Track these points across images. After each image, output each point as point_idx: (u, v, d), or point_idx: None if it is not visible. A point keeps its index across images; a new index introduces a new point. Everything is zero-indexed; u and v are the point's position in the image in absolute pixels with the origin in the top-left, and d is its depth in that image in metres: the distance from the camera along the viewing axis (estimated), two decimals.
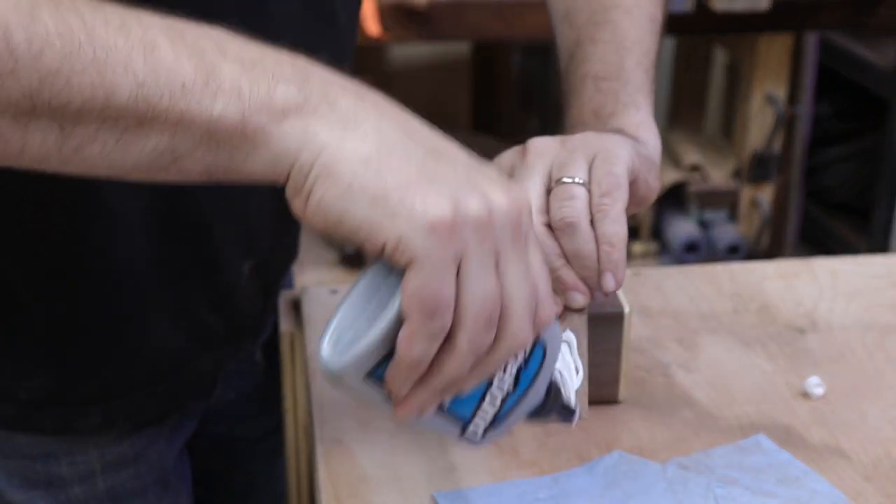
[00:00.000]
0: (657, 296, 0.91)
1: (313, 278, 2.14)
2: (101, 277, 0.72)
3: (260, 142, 0.49)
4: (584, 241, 0.65)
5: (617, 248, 0.65)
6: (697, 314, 0.89)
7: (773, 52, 2.16)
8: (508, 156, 0.70)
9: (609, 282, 0.65)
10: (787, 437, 0.73)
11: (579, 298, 0.67)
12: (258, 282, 0.83)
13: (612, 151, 0.67)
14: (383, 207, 0.49)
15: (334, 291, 0.91)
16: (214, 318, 0.80)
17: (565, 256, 0.66)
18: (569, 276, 0.66)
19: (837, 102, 2.66)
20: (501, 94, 2.57)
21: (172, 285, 0.75)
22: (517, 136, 2.39)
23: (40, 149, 0.48)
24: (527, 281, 0.52)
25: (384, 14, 1.92)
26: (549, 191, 0.67)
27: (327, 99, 0.50)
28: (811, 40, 2.27)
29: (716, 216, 2.27)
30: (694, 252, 2.24)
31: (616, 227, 0.65)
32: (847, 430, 0.74)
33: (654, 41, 0.79)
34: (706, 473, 0.69)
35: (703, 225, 2.28)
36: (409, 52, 2.47)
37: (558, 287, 0.66)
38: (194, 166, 0.50)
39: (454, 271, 0.50)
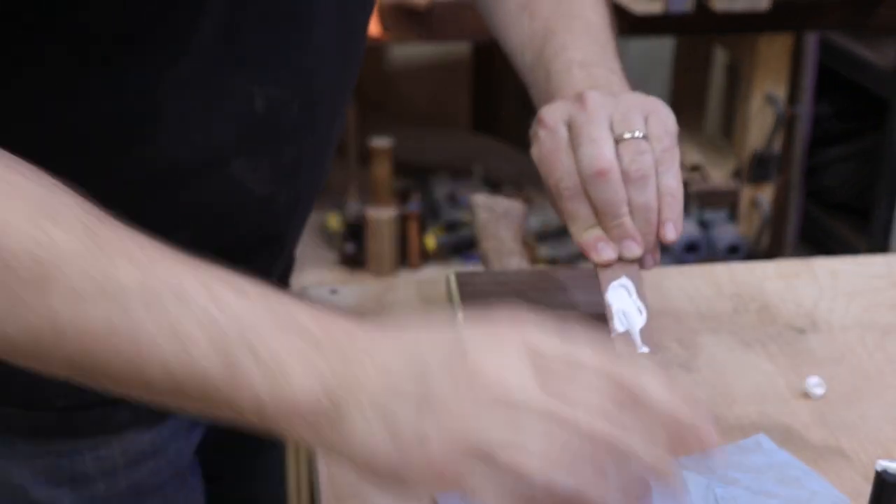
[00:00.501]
0: (657, 296, 0.91)
1: (313, 278, 2.14)
2: None
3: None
4: (652, 193, 0.69)
5: (677, 200, 0.70)
6: (697, 314, 0.89)
7: (773, 52, 2.16)
8: (562, 106, 0.73)
9: (670, 231, 0.70)
10: (788, 438, 0.73)
11: (636, 248, 0.71)
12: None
13: (663, 111, 0.72)
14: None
15: (334, 291, 0.91)
16: None
17: (629, 206, 0.70)
18: (631, 225, 0.71)
19: (837, 102, 2.67)
20: (501, 94, 2.57)
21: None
22: (517, 136, 2.39)
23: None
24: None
25: (384, 14, 1.92)
26: (616, 141, 0.70)
27: (349, 393, 0.50)
28: (811, 40, 2.27)
29: (716, 216, 2.27)
30: (694, 252, 2.24)
31: (677, 181, 0.70)
32: (847, 430, 0.74)
33: (614, 36, 0.84)
34: (706, 473, 0.69)
35: (703, 225, 2.27)
36: (409, 52, 2.47)
37: (617, 234, 0.71)
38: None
39: None
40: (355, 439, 0.50)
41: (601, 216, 0.71)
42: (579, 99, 0.72)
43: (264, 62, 0.69)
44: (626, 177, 0.70)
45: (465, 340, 0.51)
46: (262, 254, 0.79)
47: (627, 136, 0.70)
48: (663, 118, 0.71)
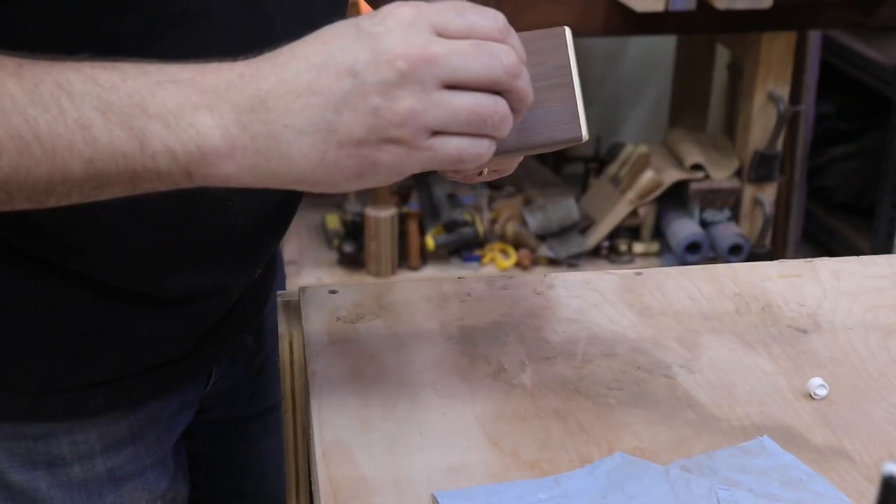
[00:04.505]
0: (658, 296, 0.91)
1: (313, 278, 2.14)
2: (105, 264, 0.74)
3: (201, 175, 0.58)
4: None
5: None
6: (699, 314, 0.88)
7: (776, 50, 2.15)
8: None
9: None
10: (790, 439, 0.73)
11: None
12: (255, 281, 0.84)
13: None
14: None
15: (333, 291, 0.90)
16: (215, 303, 0.82)
17: None
18: None
19: (840, 101, 2.66)
20: None
21: (173, 282, 0.77)
22: None
23: (27, 207, 0.58)
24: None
25: None
26: None
27: (245, 128, 0.56)
28: (814, 39, 2.27)
29: (718, 216, 2.27)
30: (696, 252, 2.24)
31: None
32: (850, 431, 0.74)
33: None
34: (709, 475, 0.68)
35: (705, 225, 2.27)
36: None
37: None
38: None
39: None
40: (286, 156, 0.56)
41: None
42: None
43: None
44: None
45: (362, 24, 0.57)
46: (225, 259, 0.79)
47: None
48: None
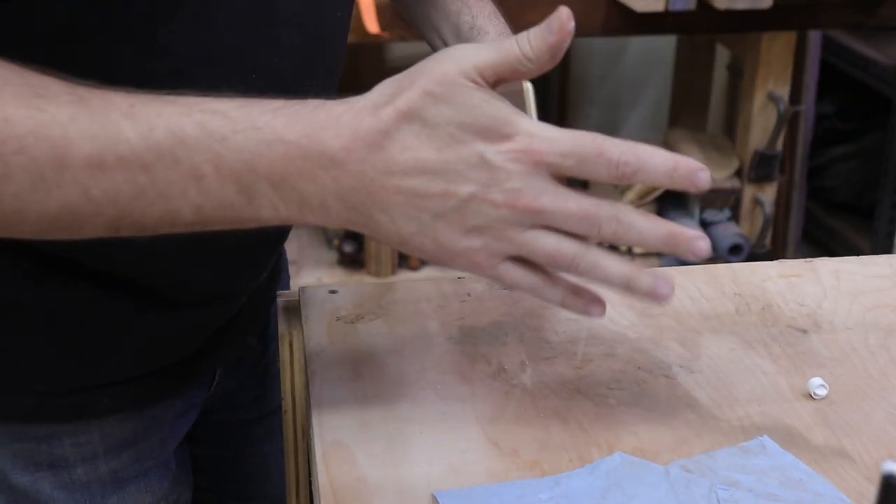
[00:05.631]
0: None
1: (313, 278, 2.14)
2: (118, 264, 0.74)
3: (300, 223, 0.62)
4: None
5: None
6: (699, 314, 0.88)
7: (776, 50, 2.15)
8: None
9: None
10: (790, 439, 0.73)
11: None
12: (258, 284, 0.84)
13: None
14: None
15: (333, 291, 0.90)
16: (215, 315, 0.82)
17: None
18: None
19: (840, 101, 2.66)
20: None
21: (183, 284, 0.78)
22: None
23: (130, 235, 0.61)
24: None
25: (384, 13, 1.91)
26: None
27: (343, 201, 0.59)
28: (814, 38, 2.27)
29: (718, 216, 2.27)
30: None
31: None
32: (851, 431, 0.74)
33: None
34: (709, 475, 0.68)
35: (705, 224, 2.27)
36: (409, 50, 2.47)
37: None
38: None
39: None
40: (377, 233, 0.60)
41: None
42: None
43: (232, 60, 0.69)
44: None
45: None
46: (235, 262, 0.79)
47: None
48: None
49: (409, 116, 0.58)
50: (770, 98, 2.17)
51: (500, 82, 0.60)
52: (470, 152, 0.58)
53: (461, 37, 0.87)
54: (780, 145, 2.22)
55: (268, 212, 0.59)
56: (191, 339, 0.82)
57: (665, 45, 2.67)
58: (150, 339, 0.78)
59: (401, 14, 0.95)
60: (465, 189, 0.58)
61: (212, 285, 0.79)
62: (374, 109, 0.58)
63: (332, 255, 2.24)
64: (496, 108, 0.59)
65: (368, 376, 0.79)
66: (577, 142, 0.59)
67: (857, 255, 1.00)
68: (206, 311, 0.81)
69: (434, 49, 0.89)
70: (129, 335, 0.77)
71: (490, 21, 0.88)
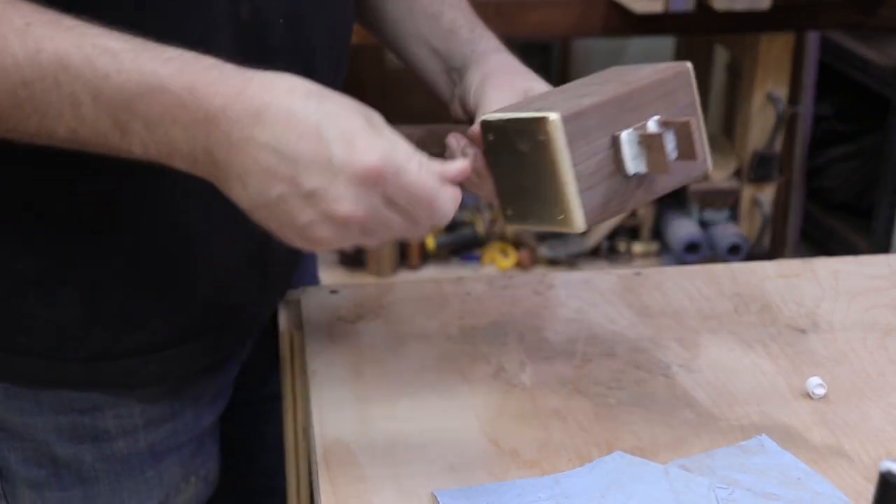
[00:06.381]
0: (658, 296, 0.91)
1: None
2: (159, 232, 0.77)
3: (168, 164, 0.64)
4: None
5: None
6: (698, 314, 0.88)
7: (774, 51, 2.15)
8: None
9: None
10: (789, 438, 0.73)
11: None
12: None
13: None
14: None
15: (334, 292, 0.90)
16: (253, 271, 0.84)
17: None
18: None
19: (839, 102, 2.66)
20: None
21: (221, 245, 0.79)
22: None
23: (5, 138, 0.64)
24: None
25: None
26: None
27: (209, 154, 0.61)
28: (812, 39, 2.27)
29: (717, 216, 2.27)
30: (695, 252, 2.24)
31: None
32: (849, 430, 0.74)
33: None
34: (708, 474, 0.69)
35: (704, 225, 2.27)
36: None
37: None
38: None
39: None
40: (232, 193, 0.62)
41: None
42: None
43: None
44: None
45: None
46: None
47: None
48: None
49: (307, 96, 0.61)
50: (769, 99, 2.17)
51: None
52: (324, 146, 0.60)
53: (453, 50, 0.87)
54: (778, 146, 2.22)
55: (138, 148, 0.62)
56: (230, 304, 0.83)
57: (664, 46, 2.67)
58: (193, 305, 0.80)
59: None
60: (313, 184, 0.60)
61: (247, 250, 0.81)
62: (279, 85, 0.61)
63: (333, 255, 2.24)
64: (376, 132, 0.62)
65: (368, 376, 0.79)
66: (419, 183, 0.63)
67: (856, 255, 1.00)
68: (242, 276, 0.82)
69: (415, 67, 0.88)
70: (173, 301, 0.79)
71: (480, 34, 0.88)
